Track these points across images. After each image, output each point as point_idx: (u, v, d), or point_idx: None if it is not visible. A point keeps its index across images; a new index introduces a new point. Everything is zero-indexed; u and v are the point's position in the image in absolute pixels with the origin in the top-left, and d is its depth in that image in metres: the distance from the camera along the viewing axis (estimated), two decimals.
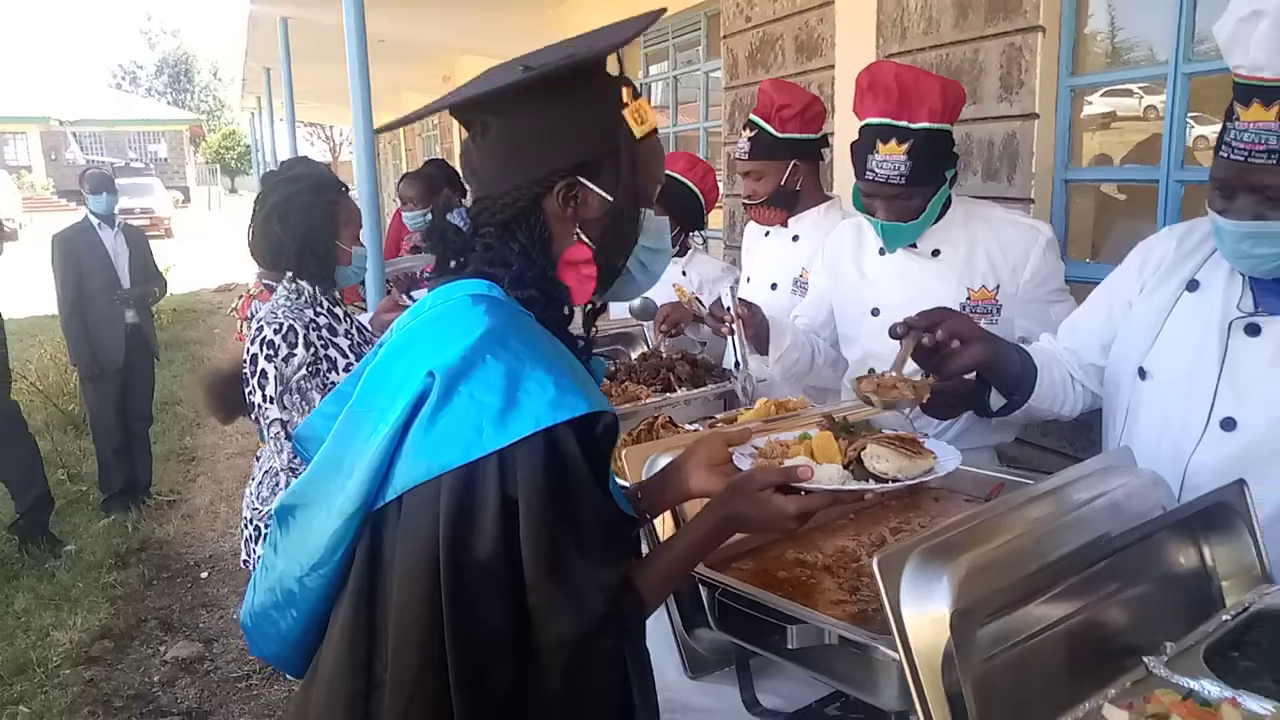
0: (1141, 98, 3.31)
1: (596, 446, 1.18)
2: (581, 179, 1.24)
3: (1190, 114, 2.79)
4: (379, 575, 1.19)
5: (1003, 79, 3.29)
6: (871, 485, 1.26)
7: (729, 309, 2.27)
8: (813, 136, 2.81)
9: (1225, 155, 1.44)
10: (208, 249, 12.51)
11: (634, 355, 2.82)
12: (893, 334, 1.75)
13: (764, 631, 1.31)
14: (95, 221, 5.56)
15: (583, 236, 1.27)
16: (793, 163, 2.78)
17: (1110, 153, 3.40)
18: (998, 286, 2.26)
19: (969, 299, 2.28)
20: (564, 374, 1.16)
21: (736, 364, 2.27)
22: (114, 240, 5.60)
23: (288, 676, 3.83)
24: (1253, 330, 1.53)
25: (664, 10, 1.47)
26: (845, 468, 1.28)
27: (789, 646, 1.25)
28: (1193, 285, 1.63)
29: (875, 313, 2.37)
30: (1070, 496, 1.29)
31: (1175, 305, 1.64)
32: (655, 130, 1.30)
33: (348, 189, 2.68)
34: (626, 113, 1.24)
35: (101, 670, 4.04)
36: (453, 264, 1.30)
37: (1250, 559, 1.29)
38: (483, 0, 7.11)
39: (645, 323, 2.93)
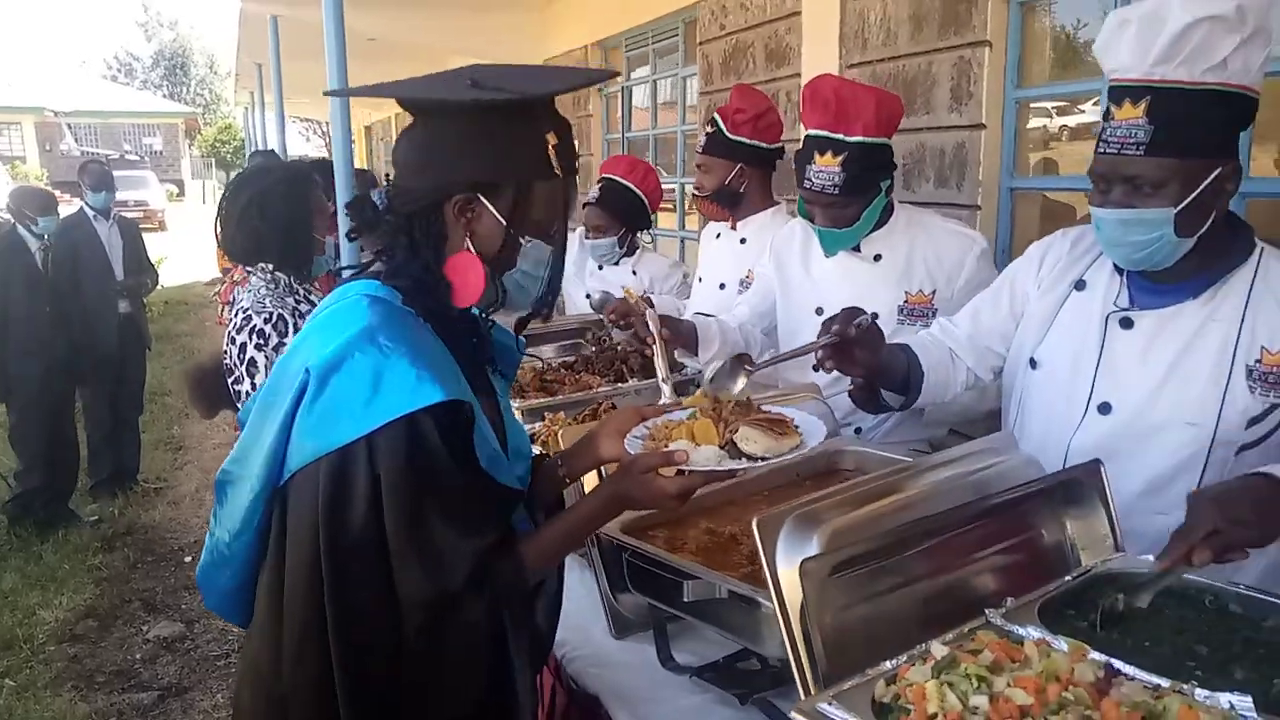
0: (1083, 112, 3.48)
1: (456, 429, 1.32)
2: (481, 197, 1.35)
3: None
4: (285, 542, 1.36)
5: (953, 90, 3.46)
6: (742, 464, 1.36)
7: (650, 330, 2.35)
8: (762, 145, 2.96)
9: (1102, 151, 1.60)
10: (201, 242, 12.59)
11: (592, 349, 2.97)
12: (824, 328, 1.88)
13: (668, 589, 1.46)
14: (91, 213, 5.67)
15: (470, 246, 1.37)
16: (739, 165, 2.93)
17: (1059, 161, 3.56)
18: (934, 291, 2.41)
19: (906, 301, 2.43)
20: (425, 367, 1.29)
21: (662, 378, 2.39)
22: (109, 232, 5.71)
23: None
24: (1126, 324, 1.69)
25: (618, 73, 1.62)
26: (721, 448, 1.36)
27: (685, 599, 1.40)
28: (1080, 285, 1.80)
29: (819, 311, 2.51)
30: (946, 472, 1.45)
31: (1065, 302, 1.80)
32: (561, 175, 1.39)
33: (318, 180, 2.79)
34: (548, 149, 1.36)
35: (85, 647, 4.18)
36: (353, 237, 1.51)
37: (1104, 531, 1.45)
38: (472, 2, 7.24)
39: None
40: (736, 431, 1.37)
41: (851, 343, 1.78)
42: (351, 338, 1.31)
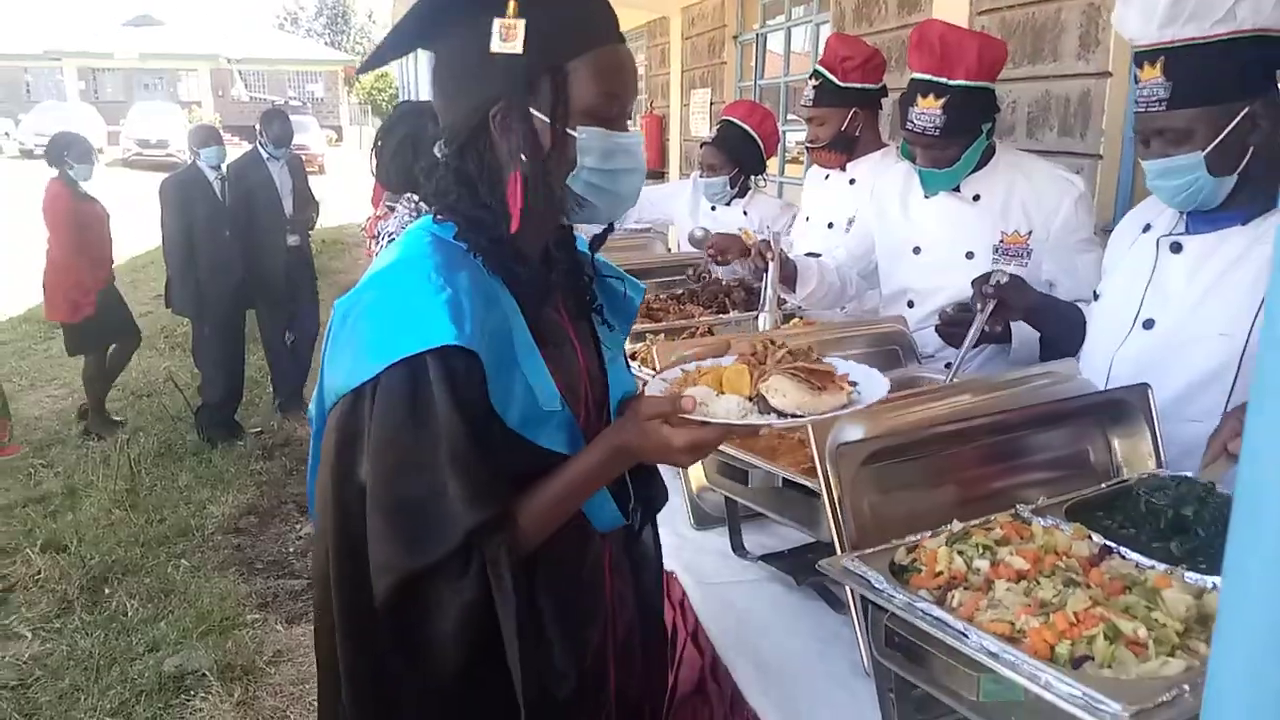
0: None
1: (471, 378, 1.16)
2: (518, 103, 1.20)
3: None
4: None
5: (1081, 38, 3.43)
6: (766, 420, 1.17)
7: (770, 249, 2.55)
8: (871, 87, 3.05)
9: (1137, 110, 1.71)
10: (357, 185, 13.28)
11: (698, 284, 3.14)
12: (975, 285, 2.10)
13: (739, 481, 1.64)
14: (265, 155, 6.08)
15: (523, 160, 1.22)
16: (853, 110, 3.03)
17: None
18: (1030, 232, 2.47)
19: (1002, 241, 2.50)
20: (444, 305, 1.15)
21: (766, 307, 2.55)
22: (280, 171, 6.12)
23: None
24: (1176, 248, 1.79)
25: None
26: (750, 399, 1.19)
27: (749, 486, 1.57)
28: (1147, 227, 1.89)
29: (916, 251, 2.63)
30: (1003, 390, 1.57)
31: (1133, 244, 1.89)
32: (597, 45, 1.23)
33: None
34: (497, 31, 1.17)
35: (247, 539, 4.67)
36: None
37: (1148, 449, 1.55)
38: None
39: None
40: (766, 381, 1.19)
41: (1005, 293, 1.99)
42: (377, 274, 1.22)
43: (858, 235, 2.82)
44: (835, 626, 1.55)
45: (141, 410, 6.51)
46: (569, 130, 1.21)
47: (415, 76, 12.94)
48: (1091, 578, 1.10)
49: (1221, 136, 1.65)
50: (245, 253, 5.95)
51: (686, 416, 1.16)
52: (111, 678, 3.43)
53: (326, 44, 54.71)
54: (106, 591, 4.07)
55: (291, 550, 4.56)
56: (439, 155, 1.29)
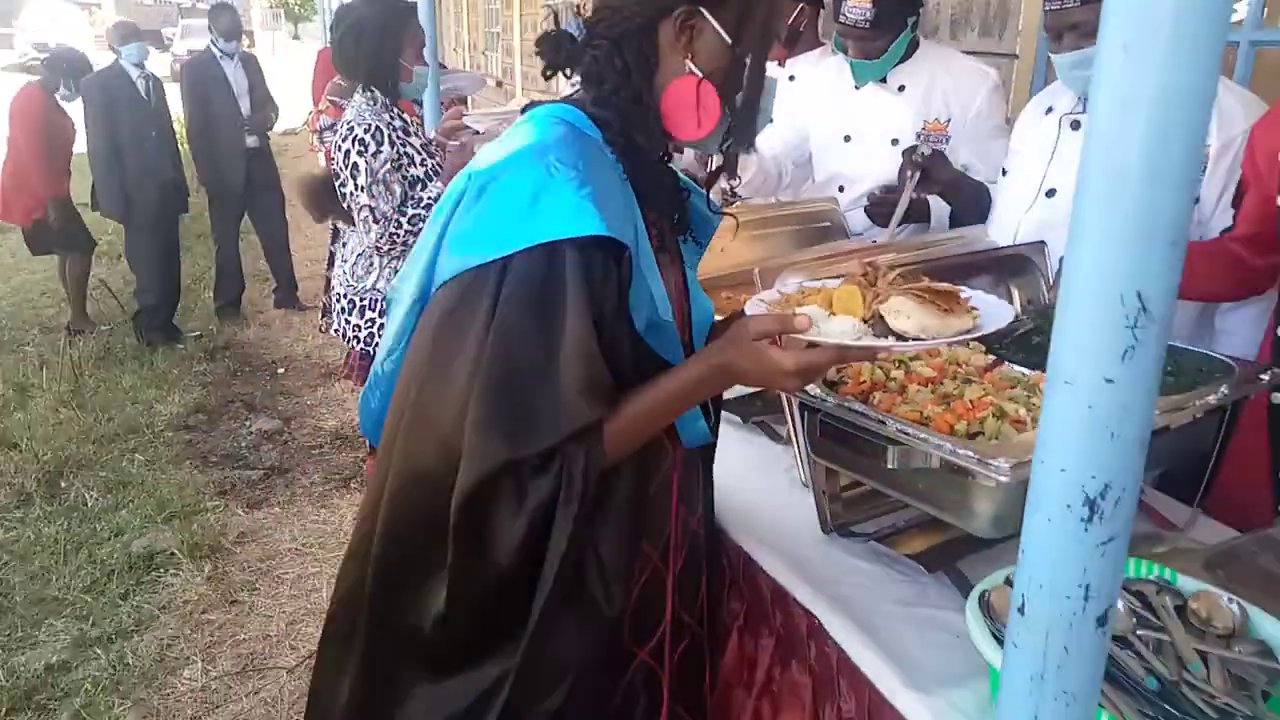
0: None
1: (608, 275, 1.14)
2: (704, 10, 1.17)
3: None
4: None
5: None
6: (886, 342, 1.10)
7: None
8: None
9: (1047, 7, 1.92)
10: (280, 90, 12.94)
11: None
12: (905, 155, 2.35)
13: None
14: (217, 53, 6.03)
15: (693, 68, 1.18)
16: (800, 5, 3.19)
17: None
18: (949, 119, 2.69)
19: (925, 128, 2.72)
20: (590, 197, 1.11)
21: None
22: (234, 70, 6.07)
23: (353, 445, 4.59)
24: (1075, 125, 2.04)
25: None
26: (866, 321, 1.12)
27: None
28: (1048, 110, 2.12)
29: (847, 139, 2.84)
30: (920, 246, 1.80)
31: (1036, 126, 2.13)
32: None
33: (415, 13, 3.09)
34: None
35: (199, 435, 4.78)
36: (553, 72, 1.26)
37: (1041, 298, 1.81)
38: None
39: None
40: (885, 302, 1.12)
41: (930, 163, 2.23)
42: (520, 150, 1.16)
43: (793, 126, 3.02)
44: (778, 452, 1.79)
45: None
46: (746, 58, 1.20)
47: None
48: (986, 379, 1.35)
49: None
50: (202, 158, 5.98)
51: (798, 337, 1.09)
52: (80, 560, 3.58)
53: None
54: (63, 485, 4.17)
55: (244, 444, 4.69)
56: (574, 34, 1.23)
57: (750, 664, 1.43)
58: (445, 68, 5.61)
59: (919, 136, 2.72)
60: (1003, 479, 1.11)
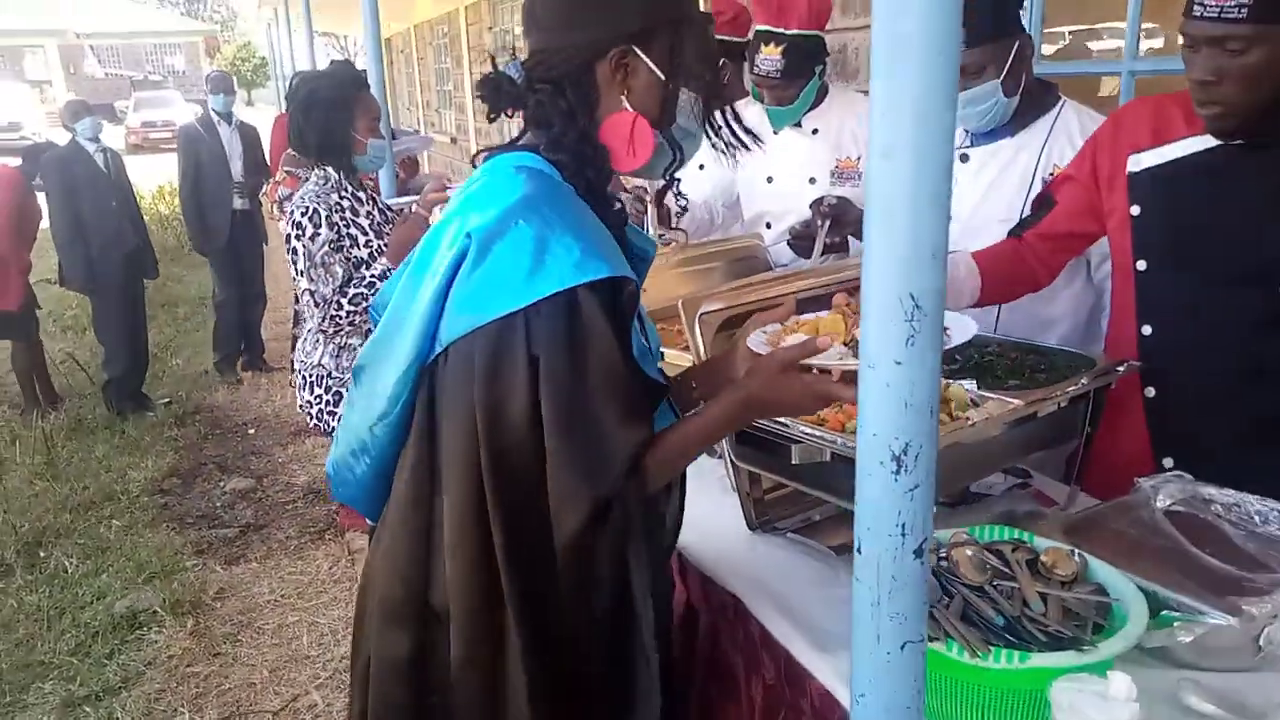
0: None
1: (619, 310, 1.21)
2: (636, 49, 1.25)
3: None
4: (436, 421, 1.26)
5: None
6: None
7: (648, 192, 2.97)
8: (739, 39, 3.45)
9: None
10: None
11: None
12: (812, 207, 2.49)
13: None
14: (215, 118, 6.32)
15: (628, 105, 1.26)
16: (722, 60, 3.43)
17: None
18: (859, 158, 2.94)
19: (838, 166, 2.96)
20: (590, 240, 1.19)
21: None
22: (230, 135, 6.34)
23: (330, 498, 4.71)
24: (964, 158, 2.28)
25: None
26: (846, 344, 1.22)
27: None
28: None
29: (769, 179, 3.07)
30: (830, 270, 2.00)
31: None
32: (709, 22, 1.34)
33: (366, 83, 3.13)
34: None
35: (174, 498, 4.89)
36: (498, 115, 1.33)
37: None
38: None
39: None
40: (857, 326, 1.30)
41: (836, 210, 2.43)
42: (514, 204, 1.21)
43: (722, 171, 3.25)
44: (713, 464, 1.97)
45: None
46: (677, 89, 1.28)
47: (287, 46, 12.81)
48: None
49: (1008, 64, 2.12)
50: (191, 219, 6.26)
51: (815, 361, 1.19)
52: (65, 624, 3.67)
53: (183, 14, 52.36)
54: (42, 554, 4.26)
55: (219, 504, 4.81)
56: (517, 78, 1.30)
57: (690, 646, 1.60)
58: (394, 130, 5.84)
59: (832, 174, 2.96)
60: None
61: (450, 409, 1.24)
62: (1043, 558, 1.24)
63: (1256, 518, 1.43)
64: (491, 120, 1.39)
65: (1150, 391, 1.77)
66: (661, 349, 1.48)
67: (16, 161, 5.92)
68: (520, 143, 1.32)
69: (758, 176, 3.10)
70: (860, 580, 0.90)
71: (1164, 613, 1.21)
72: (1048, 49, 4.94)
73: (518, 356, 1.17)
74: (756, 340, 1.33)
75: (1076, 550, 1.25)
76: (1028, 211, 2.08)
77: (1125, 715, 0.99)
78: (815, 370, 1.19)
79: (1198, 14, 1.48)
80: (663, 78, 1.26)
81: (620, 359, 1.19)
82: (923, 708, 0.93)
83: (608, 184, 1.32)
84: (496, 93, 1.30)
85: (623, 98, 1.26)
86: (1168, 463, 1.72)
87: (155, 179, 13.81)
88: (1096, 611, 1.15)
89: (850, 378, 1.15)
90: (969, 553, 1.21)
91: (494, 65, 1.33)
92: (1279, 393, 1.64)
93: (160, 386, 6.58)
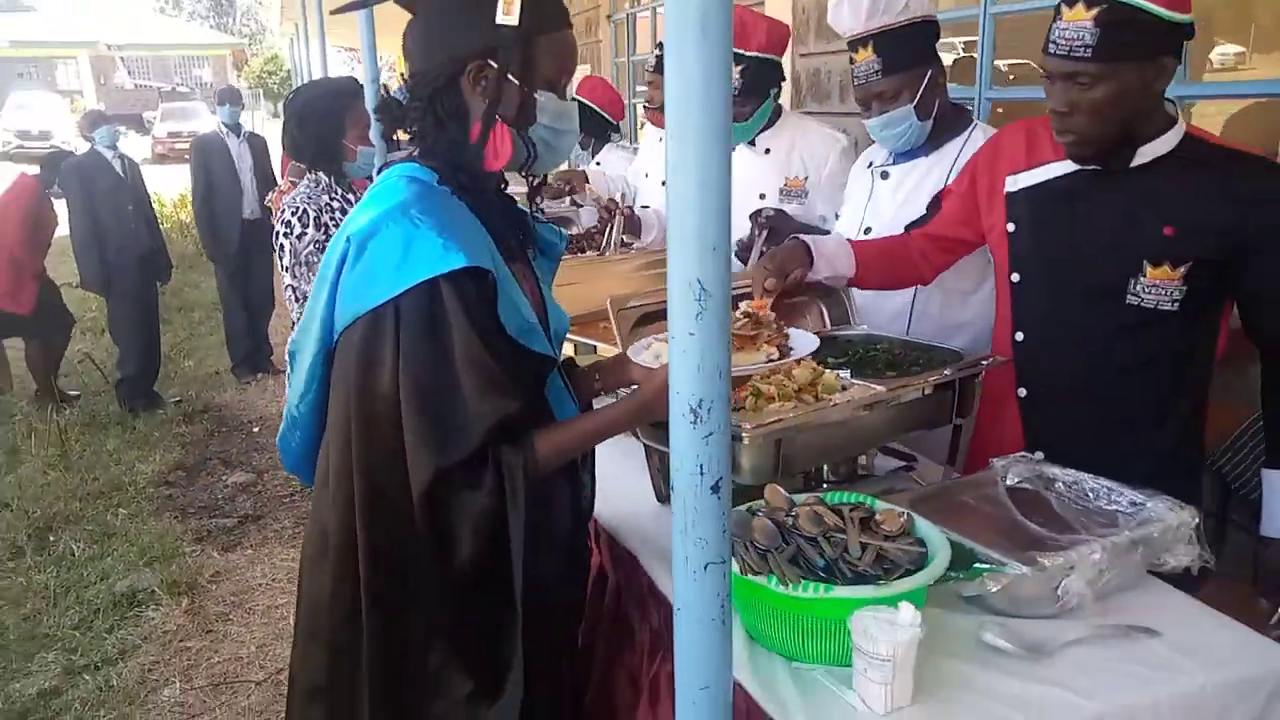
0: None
1: (481, 297, 1.37)
2: (490, 63, 1.40)
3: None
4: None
5: None
6: (755, 368, 1.63)
7: (619, 205, 3.21)
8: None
9: (856, 84, 2.36)
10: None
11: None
12: (751, 218, 2.70)
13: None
14: (224, 130, 6.63)
15: (488, 112, 1.42)
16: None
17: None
18: (806, 178, 3.14)
19: (786, 185, 3.17)
20: (451, 237, 1.34)
21: (610, 242, 3.22)
22: (239, 147, 6.63)
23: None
24: (885, 175, 2.49)
25: None
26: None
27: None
28: (870, 164, 2.57)
29: None
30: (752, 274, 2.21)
31: (859, 178, 2.58)
32: (560, 27, 1.46)
33: (359, 94, 3.30)
34: (500, 5, 1.37)
35: (178, 490, 5.14)
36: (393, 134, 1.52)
37: (846, 312, 2.22)
38: None
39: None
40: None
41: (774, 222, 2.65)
42: (387, 210, 1.38)
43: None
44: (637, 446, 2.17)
45: (61, 388, 6.84)
46: (533, 93, 1.44)
47: (306, 58, 13.14)
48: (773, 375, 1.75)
49: (921, 91, 2.34)
50: (203, 226, 6.56)
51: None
52: (69, 601, 3.92)
53: (212, 27, 53.21)
54: (52, 538, 4.51)
55: (220, 496, 5.05)
56: (401, 99, 1.47)
57: (599, 604, 1.81)
58: (398, 143, 6.10)
59: (781, 192, 3.18)
60: (744, 439, 1.52)
61: (336, 387, 1.44)
62: (878, 517, 1.44)
63: (1090, 494, 1.63)
64: (385, 138, 1.58)
65: (1022, 391, 1.96)
66: (569, 328, 1.70)
67: (35, 170, 6.22)
68: (409, 154, 1.50)
69: None
70: (675, 512, 1.11)
71: (975, 565, 1.41)
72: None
73: (386, 341, 1.35)
74: (637, 350, 1.59)
75: (906, 511, 1.45)
76: None
77: (906, 637, 1.19)
78: None
79: (1051, 50, 1.69)
80: (517, 84, 1.42)
81: (478, 340, 1.35)
82: (728, 620, 1.13)
83: (484, 184, 1.49)
84: (389, 114, 1.49)
85: (484, 105, 1.43)
86: (1038, 455, 1.92)
87: (179, 188, 14.18)
88: (909, 559, 1.35)
89: None
90: (809, 510, 1.41)
91: (386, 91, 1.52)
92: (1129, 392, 1.84)
93: (172, 386, 6.84)
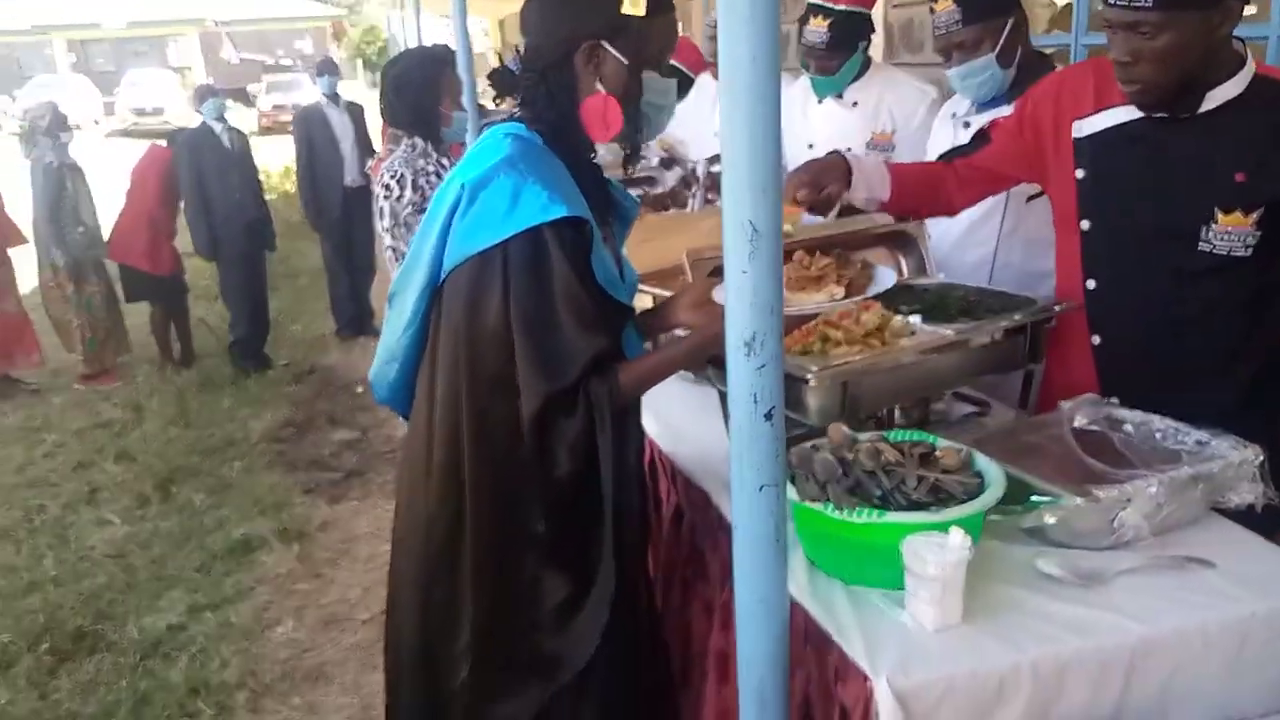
0: None
1: (579, 246, 1.52)
2: (602, 43, 1.54)
3: None
4: (439, 330, 1.61)
5: None
6: (818, 307, 1.70)
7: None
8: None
9: (937, 33, 2.36)
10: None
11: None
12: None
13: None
14: (324, 100, 6.92)
15: (601, 88, 1.56)
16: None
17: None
18: (894, 130, 3.15)
19: (873, 138, 3.18)
20: (555, 189, 1.50)
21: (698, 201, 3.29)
22: (339, 117, 6.92)
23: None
24: (967, 125, 2.49)
25: None
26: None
27: None
28: (953, 115, 2.58)
29: (810, 146, 3.30)
30: (835, 226, 2.24)
31: (943, 127, 2.60)
32: (668, 11, 1.59)
33: (452, 62, 3.43)
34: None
35: (287, 447, 5.43)
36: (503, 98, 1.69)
37: (922, 262, 2.25)
38: None
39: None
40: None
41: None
42: (498, 162, 1.53)
43: None
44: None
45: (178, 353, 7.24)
46: (640, 72, 1.58)
47: (402, 29, 13.42)
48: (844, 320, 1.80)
49: (1003, 40, 2.34)
50: (311, 191, 6.89)
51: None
52: (191, 546, 4.22)
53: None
54: (174, 490, 4.83)
55: (327, 452, 5.33)
56: (514, 69, 1.63)
57: (676, 538, 1.92)
58: (484, 109, 6.24)
59: (868, 145, 3.19)
60: (810, 380, 1.59)
61: (446, 320, 1.60)
62: (938, 453, 1.50)
63: (1158, 434, 1.66)
64: (496, 102, 1.75)
65: (1096, 339, 1.97)
66: (639, 281, 1.84)
67: (162, 144, 6.59)
68: (514, 117, 1.64)
69: (800, 143, 3.34)
70: (732, 438, 1.19)
71: (1032, 498, 1.46)
72: None
73: (495, 280, 1.51)
74: (718, 292, 1.65)
75: (965, 448, 1.50)
76: None
77: (954, 558, 1.26)
78: None
79: (1112, 1, 1.69)
80: (627, 64, 1.56)
81: (577, 282, 1.50)
82: (783, 539, 1.21)
83: (583, 150, 1.64)
84: (501, 83, 1.67)
85: (596, 82, 1.57)
86: (1113, 400, 1.93)
87: (284, 159, 14.70)
88: (965, 490, 1.41)
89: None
90: (870, 446, 1.48)
91: (500, 60, 1.67)
92: (1203, 337, 1.84)
93: (281, 348, 7.18)
